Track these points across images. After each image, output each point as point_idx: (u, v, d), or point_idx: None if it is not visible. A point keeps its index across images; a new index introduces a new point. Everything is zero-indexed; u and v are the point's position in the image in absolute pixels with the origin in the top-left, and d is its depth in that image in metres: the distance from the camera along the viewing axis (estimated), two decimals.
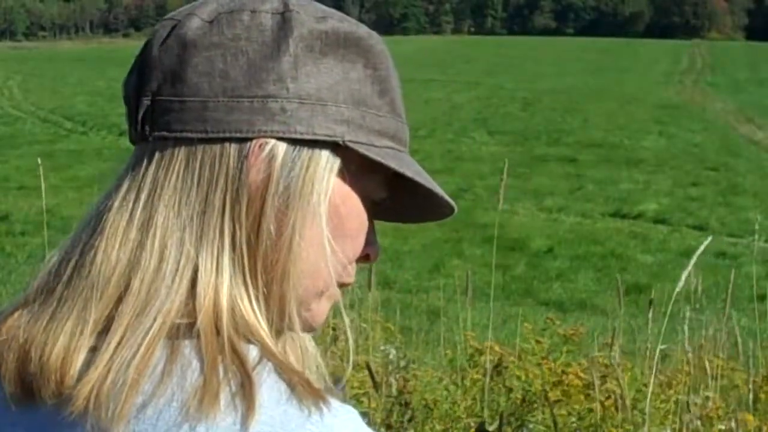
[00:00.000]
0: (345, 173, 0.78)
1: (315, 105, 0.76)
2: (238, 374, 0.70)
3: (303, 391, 0.71)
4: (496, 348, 3.22)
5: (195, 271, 0.73)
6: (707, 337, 3.51)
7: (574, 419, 2.94)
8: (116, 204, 0.76)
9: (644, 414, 2.74)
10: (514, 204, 13.79)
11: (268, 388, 0.70)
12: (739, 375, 3.39)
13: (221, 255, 0.74)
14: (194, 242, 0.74)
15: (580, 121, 25.23)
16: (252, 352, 0.73)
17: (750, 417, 2.87)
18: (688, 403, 2.85)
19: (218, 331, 0.72)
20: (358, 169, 0.78)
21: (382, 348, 3.48)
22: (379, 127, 0.79)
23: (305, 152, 0.76)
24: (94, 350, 0.72)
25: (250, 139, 0.75)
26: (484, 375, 3.14)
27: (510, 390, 3.14)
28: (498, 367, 3.18)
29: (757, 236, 3.65)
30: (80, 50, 70.73)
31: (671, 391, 2.98)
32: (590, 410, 2.86)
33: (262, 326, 0.75)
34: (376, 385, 2.80)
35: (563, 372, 3.00)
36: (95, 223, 0.77)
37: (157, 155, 0.76)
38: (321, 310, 0.81)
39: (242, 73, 0.75)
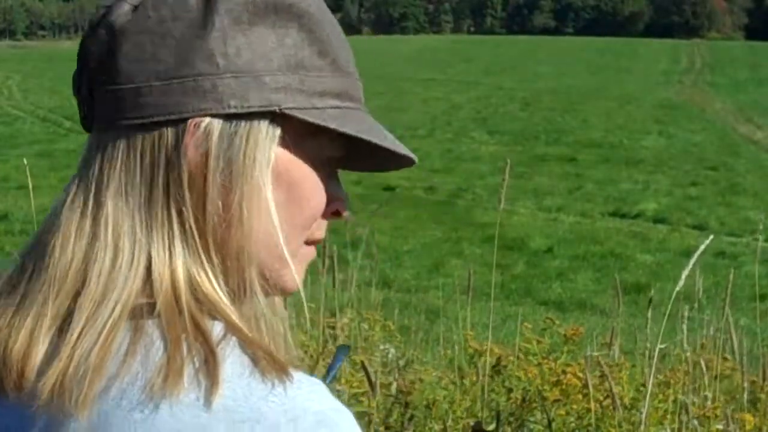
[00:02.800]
0: (288, 140, 0.78)
1: (248, 77, 0.76)
2: (201, 350, 0.71)
3: (267, 364, 0.71)
4: (496, 350, 3.22)
5: (149, 258, 0.75)
6: (707, 337, 3.51)
7: (572, 419, 2.94)
8: (69, 199, 0.77)
9: (642, 414, 2.74)
10: (514, 203, 13.80)
11: (232, 362, 0.71)
12: (739, 375, 3.39)
13: (172, 238, 0.75)
14: (144, 229, 0.75)
15: (580, 120, 25.24)
16: (216, 328, 0.73)
17: (749, 417, 2.87)
18: (686, 403, 2.85)
19: (180, 310, 0.73)
20: (302, 133, 0.78)
21: (381, 347, 3.48)
22: (321, 88, 0.79)
23: (242, 125, 0.76)
24: (56, 344, 0.73)
25: (186, 120, 0.75)
26: (484, 375, 3.14)
27: (510, 390, 3.14)
28: (497, 367, 3.18)
29: (760, 237, 3.64)
30: None
31: (670, 391, 2.98)
32: (589, 410, 2.85)
33: (224, 301, 0.76)
34: (372, 385, 2.80)
35: (563, 372, 3.00)
36: (53, 219, 0.78)
37: (101, 146, 0.77)
38: (291, 272, 0.81)
39: (171, 55, 0.75)
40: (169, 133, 0.75)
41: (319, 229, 0.84)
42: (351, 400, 3.05)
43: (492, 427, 2.81)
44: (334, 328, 3.46)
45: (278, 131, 0.77)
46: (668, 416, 2.90)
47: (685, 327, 2.89)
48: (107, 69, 0.77)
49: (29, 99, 28.83)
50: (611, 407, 2.82)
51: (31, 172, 2.93)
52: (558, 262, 11.24)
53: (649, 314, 2.87)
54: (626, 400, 2.93)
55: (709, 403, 2.96)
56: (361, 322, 3.74)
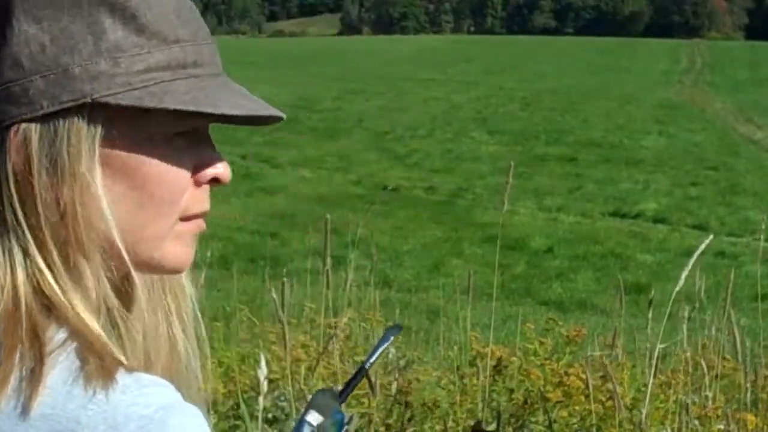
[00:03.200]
0: (115, 127, 0.76)
1: (56, 74, 0.75)
2: (32, 359, 0.71)
3: (94, 369, 0.71)
4: (498, 351, 3.21)
5: None
6: (708, 337, 3.50)
7: (575, 420, 2.94)
8: None
9: (642, 414, 2.73)
10: (514, 203, 13.79)
11: (60, 370, 0.71)
12: (740, 375, 3.38)
13: (9, 244, 0.75)
14: None
15: (580, 120, 25.23)
16: (58, 336, 0.73)
17: (751, 417, 2.87)
18: (686, 403, 2.84)
19: (17, 318, 0.73)
20: (129, 116, 0.77)
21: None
22: (143, 66, 0.76)
23: (60, 124, 0.75)
24: None
25: (9, 128, 0.75)
26: (486, 377, 3.13)
27: (511, 390, 3.13)
28: (498, 367, 3.17)
29: (762, 237, 3.63)
30: None
31: (671, 391, 2.98)
32: (590, 411, 2.85)
33: (72, 303, 0.75)
34: (372, 385, 2.80)
35: (565, 373, 2.99)
36: None
37: None
38: (172, 249, 0.81)
39: None
40: None
41: (196, 202, 0.82)
42: (351, 400, 3.05)
43: (492, 427, 2.81)
44: (334, 328, 3.46)
45: (99, 122, 0.76)
46: (669, 416, 2.90)
47: (685, 327, 2.89)
48: None
49: None
50: (613, 408, 2.81)
51: None
52: (558, 262, 11.24)
53: (650, 314, 2.87)
54: (627, 401, 2.93)
55: (710, 403, 2.96)
56: (361, 322, 3.73)
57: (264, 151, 19.19)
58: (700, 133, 23.39)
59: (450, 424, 3.05)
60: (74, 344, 0.73)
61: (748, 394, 3.22)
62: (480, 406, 3.11)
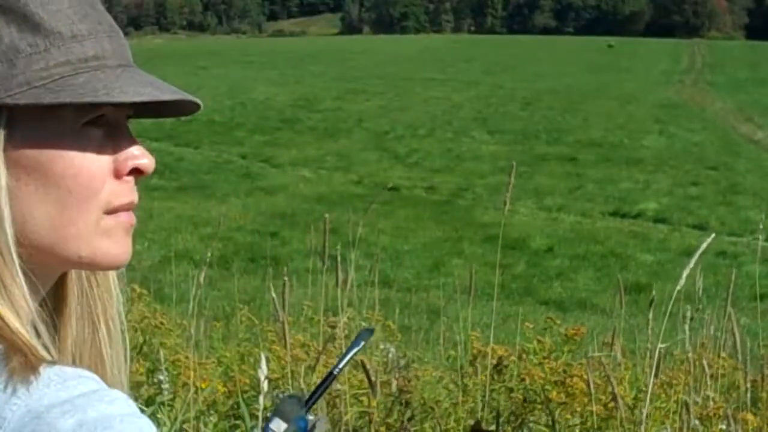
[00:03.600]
0: (18, 127, 0.76)
1: None
2: None
3: (17, 367, 0.71)
4: (498, 350, 3.21)
5: None
6: (708, 337, 3.50)
7: (577, 420, 2.94)
8: None
9: (643, 414, 2.73)
10: (515, 203, 13.79)
11: None
12: (740, 374, 3.38)
13: None
14: None
15: (580, 120, 25.23)
16: None
17: (751, 417, 2.86)
18: (687, 402, 2.84)
19: None
20: (34, 115, 0.77)
21: (381, 347, 3.47)
22: (42, 64, 0.77)
23: None
24: None
25: None
26: (485, 376, 3.13)
27: (510, 390, 3.13)
28: (498, 367, 3.17)
29: (760, 236, 3.63)
30: None
31: (671, 391, 2.98)
32: (591, 411, 2.85)
33: None
34: (372, 385, 2.80)
35: (564, 372, 2.99)
36: None
37: None
38: (102, 246, 0.81)
39: None
40: None
41: (119, 195, 0.81)
42: (351, 400, 3.05)
43: (492, 427, 2.81)
44: (334, 328, 3.46)
45: (2, 124, 0.76)
46: (670, 416, 2.90)
47: (687, 327, 2.89)
48: None
49: None
50: (614, 408, 2.81)
51: None
52: (558, 261, 11.24)
53: (651, 314, 2.87)
54: (627, 400, 2.93)
55: (711, 402, 2.96)
56: (361, 322, 3.73)
57: (264, 151, 19.19)
58: (701, 133, 23.39)
59: (451, 424, 3.05)
60: None
61: (749, 394, 3.22)
62: (480, 405, 3.11)
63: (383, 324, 3.76)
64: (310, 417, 1.01)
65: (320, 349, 3.19)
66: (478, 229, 12.58)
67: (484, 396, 3.10)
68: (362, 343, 1.07)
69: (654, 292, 3.17)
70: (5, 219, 0.76)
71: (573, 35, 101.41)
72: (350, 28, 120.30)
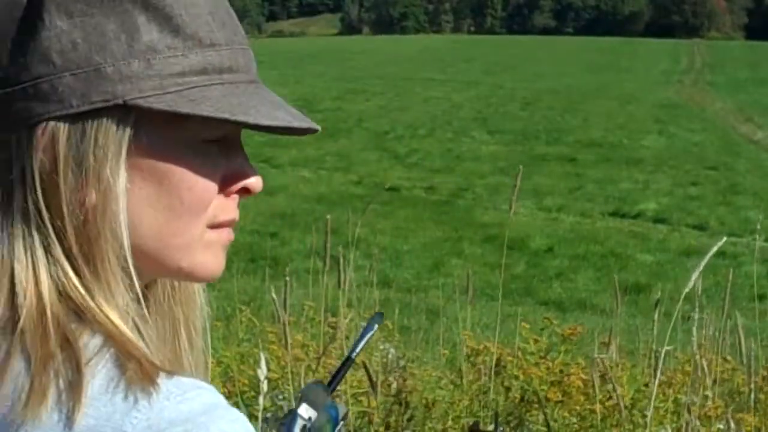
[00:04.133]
0: (145, 131, 0.74)
1: (88, 72, 0.72)
2: (68, 369, 0.69)
3: (134, 375, 0.69)
4: (492, 349, 3.21)
5: (12, 273, 0.72)
6: (707, 337, 3.51)
7: (574, 420, 2.94)
8: None
9: (643, 414, 2.74)
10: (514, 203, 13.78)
11: (101, 379, 0.69)
12: (739, 375, 3.39)
13: (33, 247, 0.72)
14: (6, 243, 0.73)
15: (580, 120, 25.22)
16: (93, 341, 0.71)
17: (749, 417, 2.87)
18: (686, 402, 2.85)
19: (44, 325, 0.70)
20: (161, 121, 0.74)
21: (381, 347, 3.47)
22: (178, 69, 0.74)
23: (89, 125, 0.73)
24: None
25: (36, 126, 0.72)
26: (484, 375, 3.14)
27: (508, 389, 3.14)
28: (497, 367, 3.18)
29: (758, 236, 3.63)
30: None
31: (670, 391, 2.98)
32: (590, 411, 2.85)
33: (101, 307, 0.73)
34: (373, 385, 2.80)
35: (561, 372, 3.00)
36: None
37: None
38: (201, 259, 0.79)
39: (10, 60, 0.73)
40: (21, 142, 0.73)
41: (224, 211, 0.80)
42: (351, 400, 3.05)
43: (491, 427, 2.81)
44: (334, 328, 3.46)
45: (129, 124, 0.73)
46: (669, 416, 2.90)
47: (695, 329, 2.89)
48: None
49: None
50: (612, 408, 2.82)
51: None
52: (558, 261, 11.24)
53: (656, 316, 2.87)
54: (626, 400, 2.93)
55: (709, 402, 2.96)
56: (361, 322, 3.73)
57: (264, 151, 19.18)
58: (700, 133, 23.38)
59: (449, 423, 3.05)
60: (111, 350, 0.71)
61: (752, 395, 3.22)
62: (478, 405, 3.11)
63: (383, 324, 3.76)
64: (341, 406, 0.99)
65: (320, 350, 3.19)
66: (478, 229, 12.59)
67: (478, 395, 3.10)
68: (376, 327, 1.06)
69: (659, 293, 3.17)
70: (121, 224, 0.74)
71: (572, 35, 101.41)
72: (350, 28, 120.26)
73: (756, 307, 4.26)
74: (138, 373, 0.69)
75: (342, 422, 0.97)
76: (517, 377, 3.11)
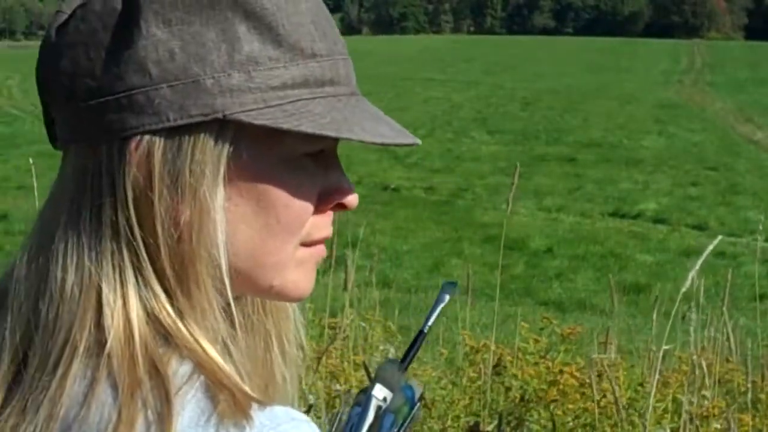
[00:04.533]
0: (244, 146, 0.70)
1: (186, 84, 0.68)
2: (157, 400, 0.65)
3: (226, 408, 0.65)
4: (492, 347, 3.22)
5: (99, 292, 0.69)
6: (707, 337, 3.51)
7: (570, 419, 2.95)
8: (36, 225, 0.74)
9: (640, 413, 2.74)
10: (514, 203, 13.76)
11: (191, 411, 0.66)
12: (739, 375, 3.39)
13: (123, 267, 0.69)
14: (93, 261, 0.69)
15: (580, 120, 25.22)
16: (183, 369, 0.68)
17: (746, 418, 2.87)
18: (684, 402, 2.85)
19: (132, 351, 0.67)
20: (260, 135, 0.70)
21: (381, 347, 3.48)
22: (278, 82, 0.70)
23: (186, 139, 0.69)
24: (10, 388, 0.70)
25: (129, 139, 0.69)
26: (483, 374, 3.14)
27: (508, 389, 3.14)
28: (497, 367, 3.18)
29: (759, 237, 3.64)
30: None
31: (668, 391, 2.99)
32: (586, 410, 2.86)
33: (191, 332, 0.69)
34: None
35: (560, 371, 3.00)
36: (25, 243, 0.74)
37: (60, 171, 0.74)
38: (293, 277, 0.76)
39: (104, 69, 0.69)
40: (113, 154, 0.69)
41: (319, 228, 0.76)
42: (351, 400, 3.05)
43: (491, 427, 2.81)
44: (334, 328, 3.47)
45: (228, 139, 0.70)
46: (667, 416, 2.90)
47: (692, 329, 2.90)
48: (52, 87, 0.73)
49: (29, 99, 28.79)
50: (610, 407, 2.82)
51: (31, 172, 2.93)
52: (558, 262, 11.24)
53: (654, 315, 2.88)
54: (624, 400, 2.94)
55: (706, 402, 2.97)
56: (361, 322, 3.74)
57: None
58: (700, 133, 23.39)
59: (449, 423, 3.06)
60: (200, 378, 0.67)
61: (749, 395, 3.23)
62: (478, 404, 3.12)
63: (383, 324, 3.77)
64: (416, 385, 0.94)
65: (321, 350, 3.20)
66: (478, 229, 12.59)
67: (477, 395, 3.11)
68: (447, 297, 1.01)
69: (657, 294, 3.18)
70: (219, 244, 0.70)
71: (572, 36, 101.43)
72: (349, 28, 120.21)
73: (756, 307, 4.26)
74: (230, 405, 0.65)
75: (418, 403, 0.92)
76: (516, 377, 3.12)
